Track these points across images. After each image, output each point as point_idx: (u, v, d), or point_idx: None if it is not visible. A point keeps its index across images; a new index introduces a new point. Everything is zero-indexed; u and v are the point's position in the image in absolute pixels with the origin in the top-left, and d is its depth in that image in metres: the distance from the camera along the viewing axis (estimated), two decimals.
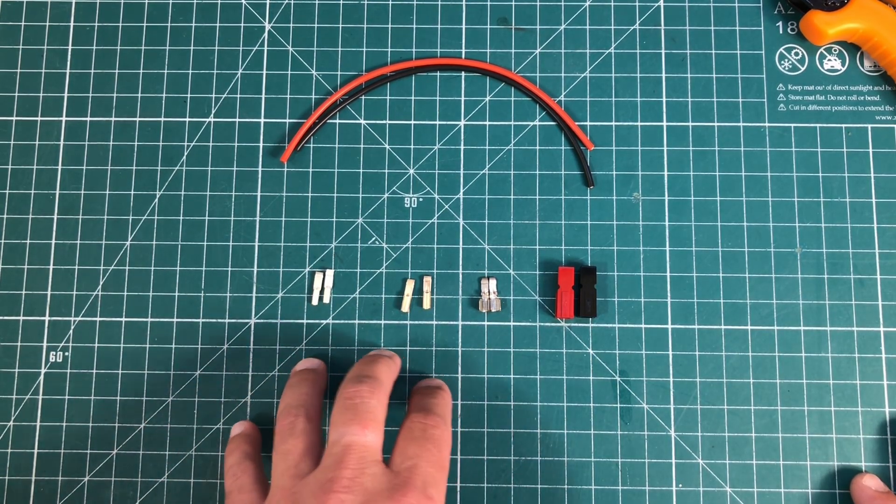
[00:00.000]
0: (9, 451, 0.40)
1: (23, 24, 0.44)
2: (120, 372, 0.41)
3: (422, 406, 0.36)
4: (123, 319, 0.41)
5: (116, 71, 0.44)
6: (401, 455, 0.33)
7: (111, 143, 0.43)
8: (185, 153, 0.43)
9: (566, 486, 0.39)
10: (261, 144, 0.43)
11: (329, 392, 0.40)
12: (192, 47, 0.44)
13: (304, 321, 0.41)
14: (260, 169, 0.43)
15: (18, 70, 0.44)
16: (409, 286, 0.41)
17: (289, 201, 0.42)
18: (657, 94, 0.43)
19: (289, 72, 0.43)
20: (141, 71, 0.44)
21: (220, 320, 0.41)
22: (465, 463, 0.40)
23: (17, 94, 0.44)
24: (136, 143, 0.43)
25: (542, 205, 0.42)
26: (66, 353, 0.41)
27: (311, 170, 0.42)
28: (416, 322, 0.41)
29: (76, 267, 0.42)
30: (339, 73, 0.43)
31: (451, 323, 0.41)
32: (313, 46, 0.44)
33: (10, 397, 0.41)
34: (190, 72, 0.44)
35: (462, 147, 0.42)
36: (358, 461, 0.32)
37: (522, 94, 0.43)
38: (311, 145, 0.43)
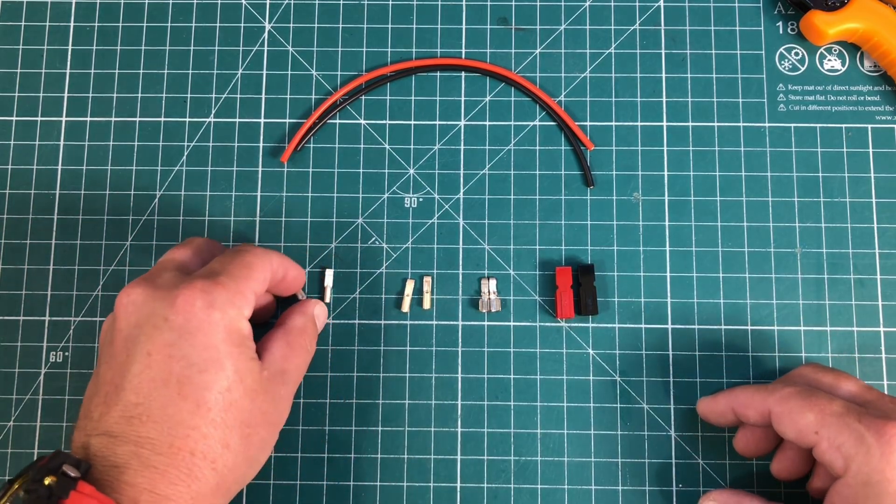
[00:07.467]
0: (9, 451, 0.40)
1: (23, 24, 0.44)
2: None
3: None
4: None
5: (116, 71, 0.44)
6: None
7: (111, 143, 0.43)
8: (185, 153, 0.43)
9: (566, 486, 0.39)
10: (261, 144, 0.43)
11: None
12: (192, 47, 0.44)
13: None
14: (260, 169, 0.43)
15: (18, 70, 0.44)
16: (409, 286, 0.41)
17: (289, 201, 0.42)
18: (657, 94, 0.43)
19: (289, 72, 0.43)
20: (141, 71, 0.44)
21: None
22: (465, 463, 0.40)
23: (17, 94, 0.43)
24: (136, 143, 0.43)
25: (542, 205, 0.42)
26: (66, 353, 0.41)
27: (311, 170, 0.42)
28: (416, 322, 0.41)
29: (76, 267, 0.42)
30: (339, 73, 0.43)
31: (451, 323, 0.41)
32: (313, 46, 0.44)
33: (10, 397, 0.41)
34: (190, 72, 0.44)
35: (462, 147, 0.42)
36: (159, 266, 0.34)
37: (522, 94, 0.43)
38: (311, 145, 0.43)
